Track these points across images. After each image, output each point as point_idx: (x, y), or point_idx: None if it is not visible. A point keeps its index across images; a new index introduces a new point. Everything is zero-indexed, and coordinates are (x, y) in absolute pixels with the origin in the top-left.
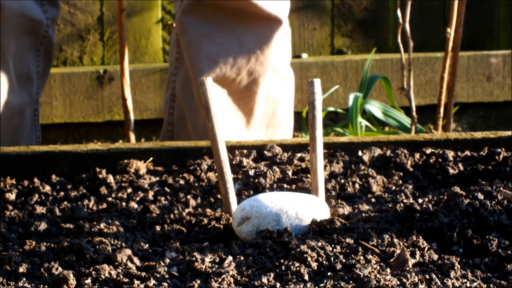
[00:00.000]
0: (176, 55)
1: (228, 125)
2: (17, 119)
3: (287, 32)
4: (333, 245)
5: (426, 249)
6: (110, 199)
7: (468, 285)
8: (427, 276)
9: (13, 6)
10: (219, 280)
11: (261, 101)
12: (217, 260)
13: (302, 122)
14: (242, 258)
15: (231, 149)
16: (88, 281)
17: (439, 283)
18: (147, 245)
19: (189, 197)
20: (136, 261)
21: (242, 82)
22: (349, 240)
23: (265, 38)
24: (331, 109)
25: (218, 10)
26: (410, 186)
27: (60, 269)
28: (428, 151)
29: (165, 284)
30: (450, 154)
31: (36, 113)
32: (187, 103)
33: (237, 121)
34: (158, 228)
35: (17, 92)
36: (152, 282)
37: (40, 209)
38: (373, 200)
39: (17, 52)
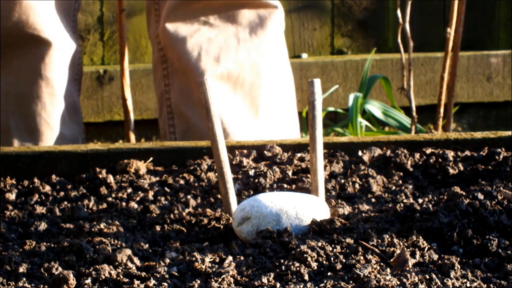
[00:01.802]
0: (164, 72)
1: (238, 118)
2: None
3: (282, 20)
4: (333, 245)
5: (426, 249)
6: (110, 199)
7: (468, 285)
8: (427, 276)
9: (59, 37)
10: (219, 280)
11: (265, 91)
12: (217, 260)
13: (302, 122)
14: (242, 258)
15: (231, 149)
16: (88, 281)
17: (439, 283)
18: (147, 245)
19: (189, 197)
20: (136, 261)
21: (246, 75)
22: (349, 240)
23: (262, 27)
24: (331, 109)
25: (207, 8)
26: (410, 186)
27: (60, 269)
28: (428, 151)
29: (165, 284)
30: (450, 154)
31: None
32: (192, 112)
33: (246, 112)
34: (158, 228)
35: (69, 124)
36: (152, 282)
37: (40, 209)
38: (373, 200)
39: (64, 83)
